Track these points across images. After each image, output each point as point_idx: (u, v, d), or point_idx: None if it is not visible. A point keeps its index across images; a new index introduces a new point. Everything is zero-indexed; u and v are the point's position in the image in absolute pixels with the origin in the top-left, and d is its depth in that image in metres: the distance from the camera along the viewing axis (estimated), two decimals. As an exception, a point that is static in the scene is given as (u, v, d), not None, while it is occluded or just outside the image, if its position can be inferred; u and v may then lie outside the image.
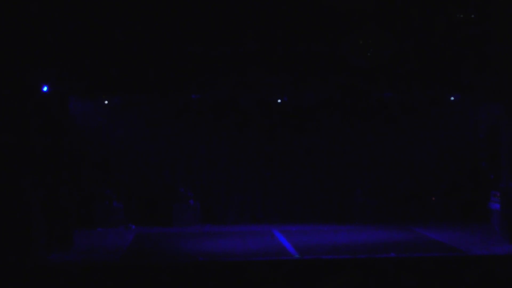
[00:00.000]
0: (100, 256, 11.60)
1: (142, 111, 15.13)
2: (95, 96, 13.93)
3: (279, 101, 15.01)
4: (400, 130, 15.76)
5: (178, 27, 10.47)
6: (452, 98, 14.83)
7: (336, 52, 11.18)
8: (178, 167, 15.56)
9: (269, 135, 15.71)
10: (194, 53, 11.38)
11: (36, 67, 10.70)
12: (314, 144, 15.74)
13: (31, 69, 10.65)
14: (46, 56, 10.72)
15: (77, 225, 13.06)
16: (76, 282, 10.41)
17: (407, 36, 10.71)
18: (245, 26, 9.69)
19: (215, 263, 11.02)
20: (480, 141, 15.52)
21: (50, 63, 10.91)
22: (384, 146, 15.73)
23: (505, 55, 10.78)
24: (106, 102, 14.50)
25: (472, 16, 10.15)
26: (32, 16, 10.11)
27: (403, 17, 10.20)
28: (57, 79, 11.40)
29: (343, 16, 9.92)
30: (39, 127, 11.33)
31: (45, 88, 11.55)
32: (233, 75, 12.00)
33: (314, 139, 15.71)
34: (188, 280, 10.53)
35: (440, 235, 13.46)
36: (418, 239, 13.31)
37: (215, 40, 10.55)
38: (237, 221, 15.47)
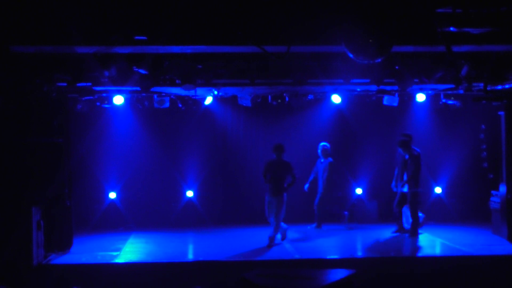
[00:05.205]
0: (99, 256, 11.58)
1: (142, 111, 15.09)
2: (95, 96, 13.89)
3: (279, 100, 14.99)
4: (400, 130, 15.71)
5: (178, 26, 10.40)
6: (452, 98, 14.80)
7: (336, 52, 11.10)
8: (178, 167, 15.55)
9: (269, 134, 15.69)
10: (193, 53, 11.33)
11: (37, 68, 10.67)
12: (314, 144, 15.71)
13: (31, 70, 10.62)
14: (47, 56, 10.68)
15: (76, 225, 13.03)
16: (75, 283, 10.41)
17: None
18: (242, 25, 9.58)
19: (215, 263, 11.00)
20: (480, 141, 15.48)
21: (50, 64, 10.88)
22: (385, 145, 15.68)
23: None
24: (106, 102, 14.47)
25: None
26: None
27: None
28: (57, 78, 11.36)
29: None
30: (39, 127, 11.31)
31: (45, 88, 11.53)
32: (231, 75, 11.97)
33: (314, 138, 15.70)
34: (188, 280, 10.53)
35: (440, 235, 13.44)
36: (418, 239, 13.28)
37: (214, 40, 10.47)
38: (237, 221, 15.43)
